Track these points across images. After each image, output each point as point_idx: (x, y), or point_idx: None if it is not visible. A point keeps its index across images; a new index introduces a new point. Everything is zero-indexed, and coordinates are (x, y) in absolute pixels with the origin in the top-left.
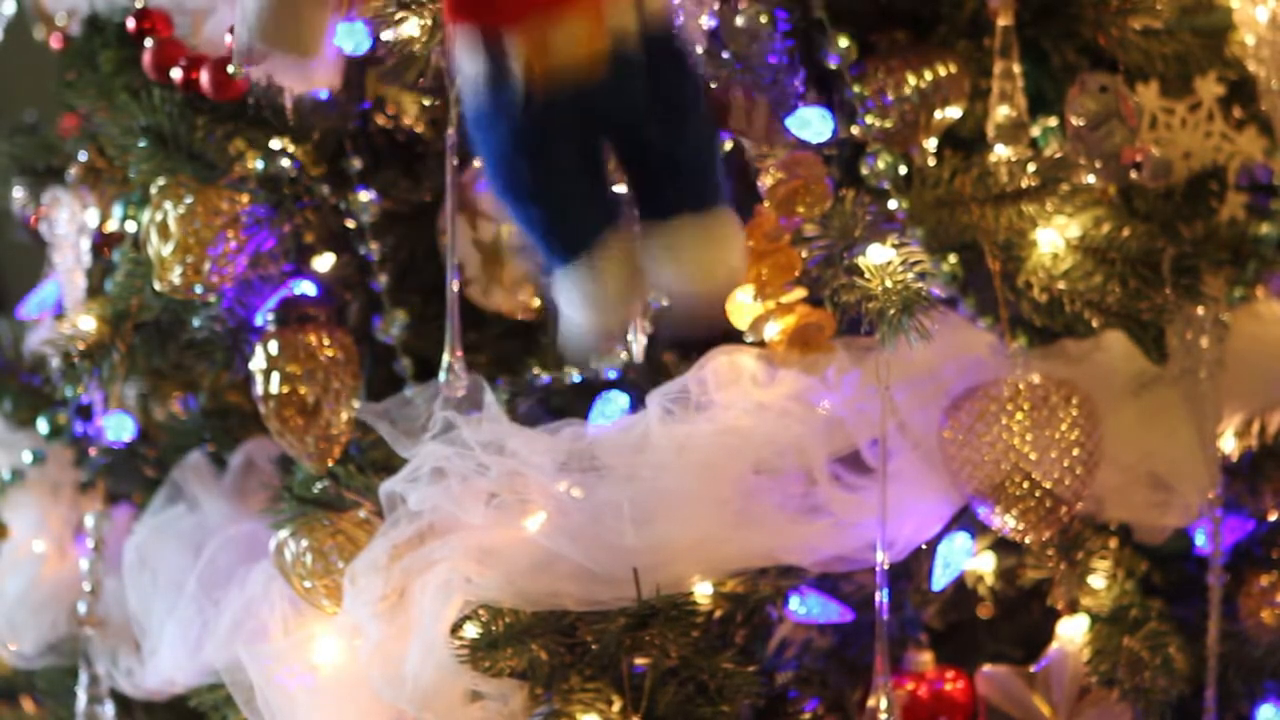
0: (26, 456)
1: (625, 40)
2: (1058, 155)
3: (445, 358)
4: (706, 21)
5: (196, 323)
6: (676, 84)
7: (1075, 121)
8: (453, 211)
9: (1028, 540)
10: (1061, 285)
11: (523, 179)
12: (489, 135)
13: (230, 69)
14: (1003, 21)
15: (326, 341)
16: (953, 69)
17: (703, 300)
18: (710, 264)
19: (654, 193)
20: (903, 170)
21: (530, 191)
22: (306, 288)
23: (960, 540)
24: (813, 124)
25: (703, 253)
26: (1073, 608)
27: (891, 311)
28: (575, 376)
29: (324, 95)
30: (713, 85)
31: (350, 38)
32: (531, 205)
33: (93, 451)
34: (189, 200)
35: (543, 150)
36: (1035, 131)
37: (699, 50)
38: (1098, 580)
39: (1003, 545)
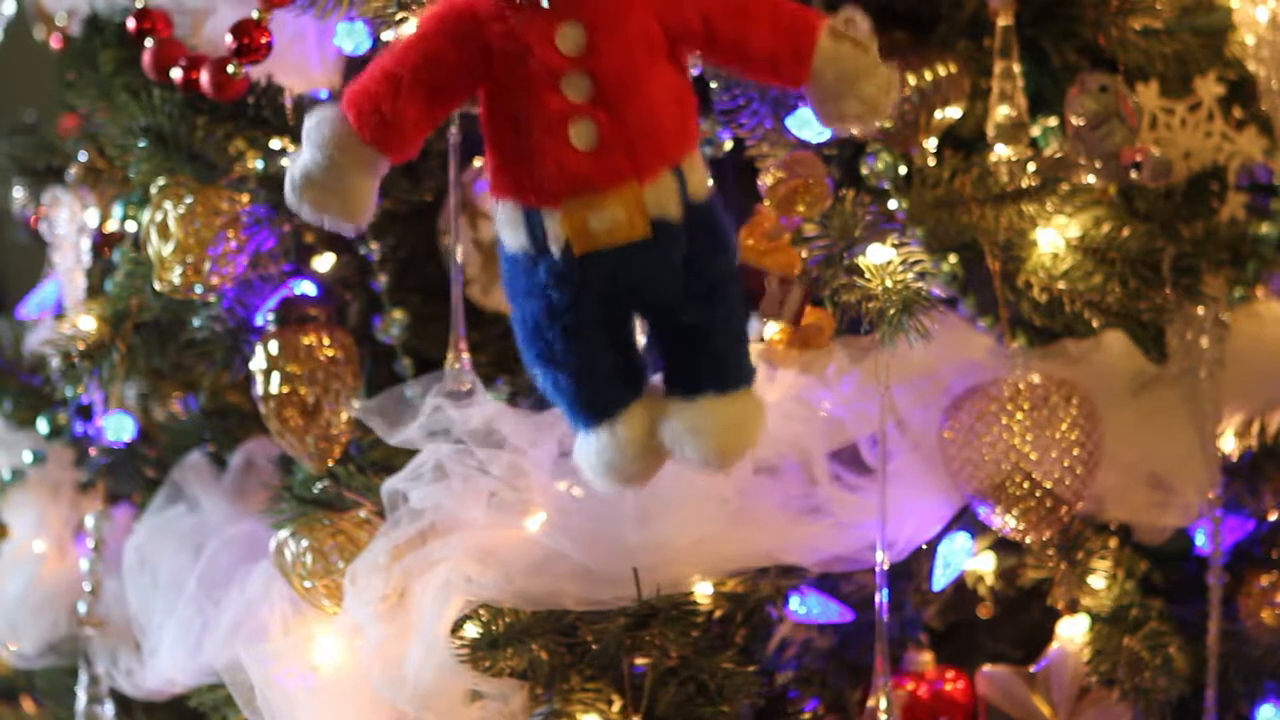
0: (26, 456)
1: (666, 213)
2: (1058, 155)
3: (449, 356)
4: None
5: (196, 323)
6: (713, 262)
7: (1075, 121)
8: (456, 212)
9: (1028, 540)
10: (1061, 285)
11: (553, 350)
12: (524, 305)
13: (230, 69)
14: (1003, 21)
15: (326, 341)
16: (953, 69)
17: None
18: (730, 445)
19: (682, 368)
20: (903, 170)
21: (559, 362)
22: (306, 288)
23: (960, 540)
24: (813, 124)
25: (724, 435)
26: (1073, 608)
27: (891, 311)
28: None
29: (324, 95)
30: (748, 270)
31: (350, 38)
32: (559, 374)
33: (93, 451)
34: (189, 200)
35: (575, 326)
36: (1035, 131)
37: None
38: (1098, 580)
39: (1003, 545)
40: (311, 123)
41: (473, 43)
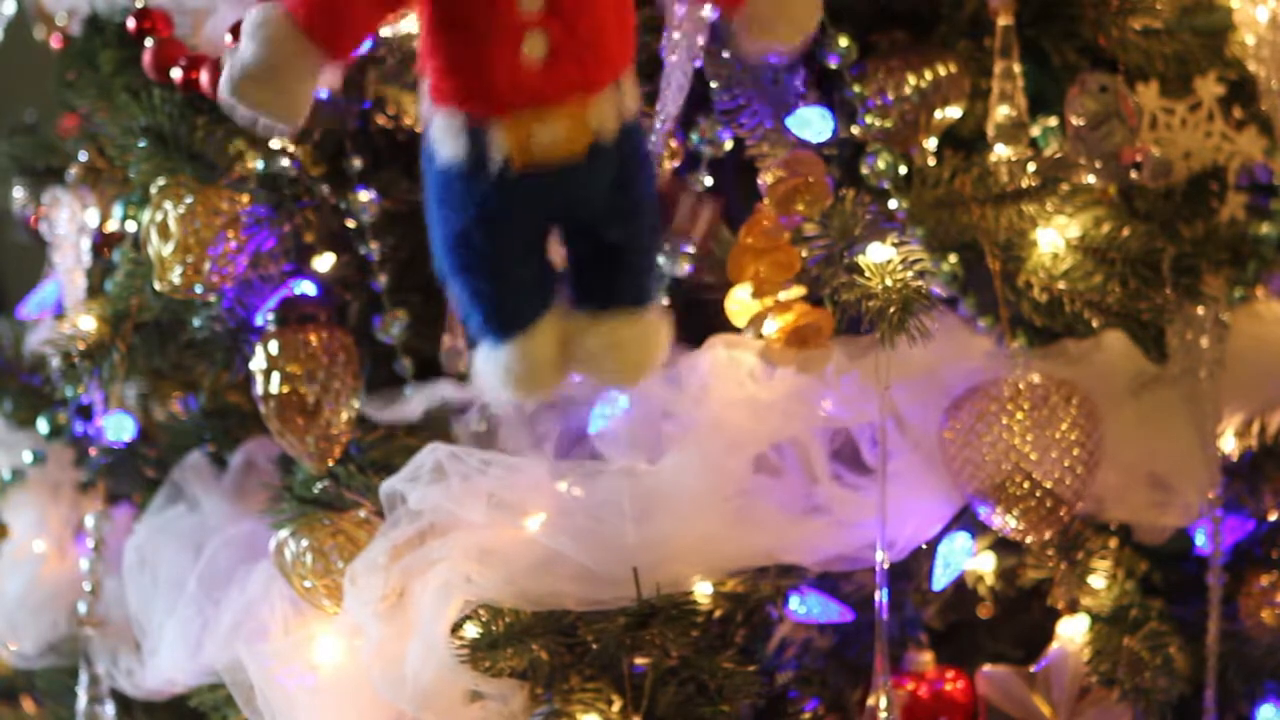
0: (26, 456)
1: (605, 133)
2: (1058, 155)
3: (445, 339)
4: (708, 13)
5: (196, 323)
6: (638, 182)
7: (1075, 121)
8: None
9: (1028, 540)
10: (1061, 285)
11: (479, 257)
12: (451, 213)
13: None
14: (1003, 21)
15: (327, 341)
16: (953, 69)
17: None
18: (643, 361)
19: (597, 285)
20: (903, 170)
21: (480, 272)
22: (306, 288)
23: (960, 540)
24: (813, 123)
25: (639, 350)
26: (1073, 608)
27: (891, 310)
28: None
29: (324, 95)
30: (662, 183)
31: None
32: (479, 283)
33: (93, 451)
34: (189, 200)
35: (504, 232)
36: (1035, 131)
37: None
38: (1098, 580)
39: (1003, 545)
40: (251, 15)
41: None
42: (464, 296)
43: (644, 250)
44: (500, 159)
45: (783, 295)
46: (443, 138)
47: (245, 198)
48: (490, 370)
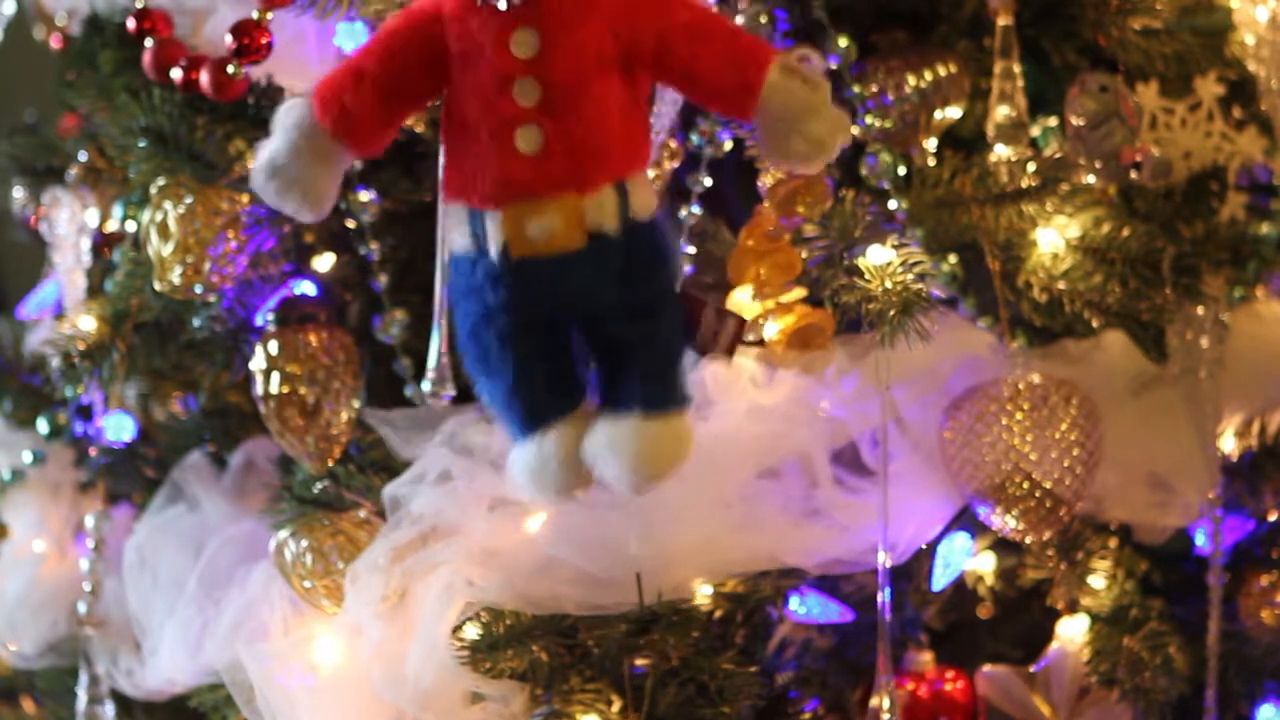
0: (26, 456)
1: (604, 227)
2: (1058, 155)
3: (432, 358)
4: None
5: (196, 323)
6: (650, 280)
7: (1075, 121)
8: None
9: (1028, 540)
10: (1061, 285)
11: (488, 354)
12: (464, 306)
13: (230, 69)
14: (1003, 21)
15: (327, 342)
16: (953, 69)
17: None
18: (647, 468)
19: (612, 385)
20: (903, 170)
21: (494, 367)
22: (306, 288)
23: (960, 540)
24: None
25: (642, 455)
26: (1073, 608)
27: (891, 312)
28: None
29: None
30: (686, 296)
31: (350, 38)
32: (494, 379)
33: (93, 451)
34: (189, 200)
35: (510, 330)
36: (1035, 131)
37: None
38: (1098, 580)
39: (1003, 545)
40: (280, 111)
41: (436, 43)
42: (484, 391)
43: (659, 352)
44: (498, 248)
45: (784, 297)
46: (452, 229)
47: (245, 198)
48: (514, 467)
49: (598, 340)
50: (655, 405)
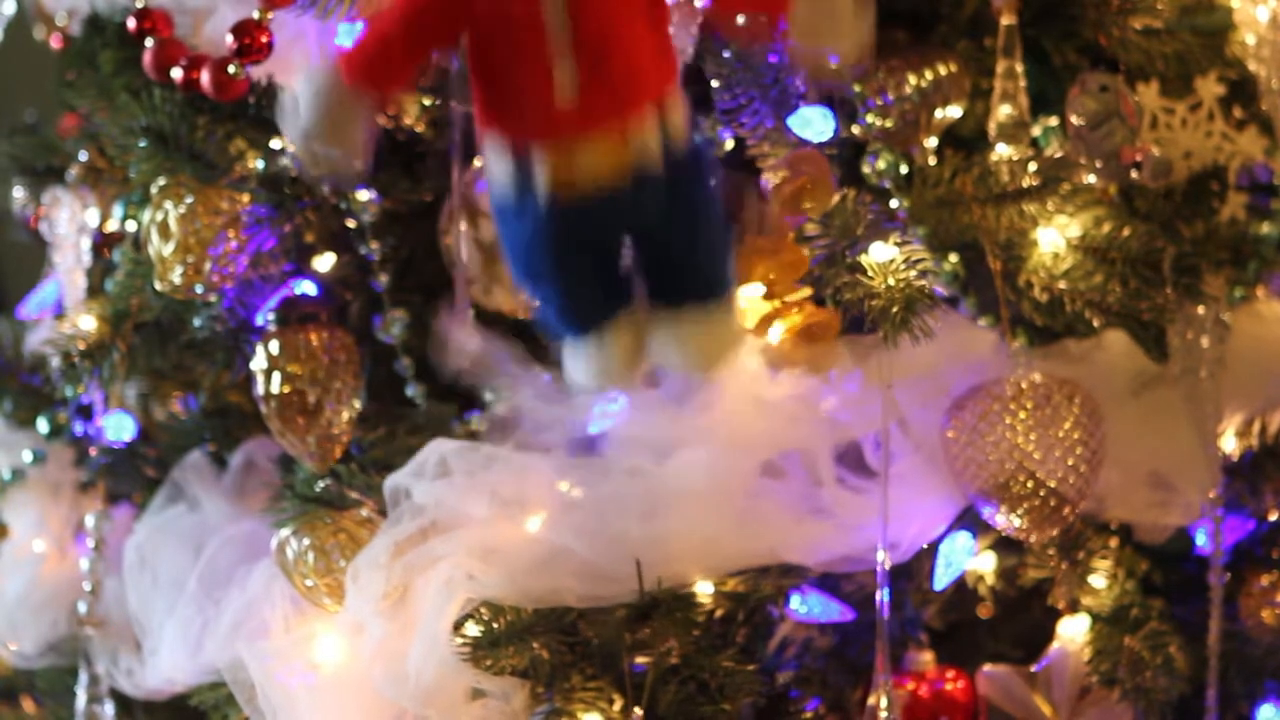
0: (26, 456)
1: (647, 157)
2: (1058, 155)
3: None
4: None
5: (197, 323)
6: (695, 193)
7: (1076, 121)
8: (457, 212)
9: (1031, 540)
10: (1062, 285)
11: (542, 268)
12: (511, 227)
13: (230, 69)
14: (1006, 21)
15: (327, 341)
16: (953, 68)
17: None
18: (712, 353)
19: (665, 282)
20: (904, 169)
21: (548, 279)
22: (307, 287)
23: (962, 539)
24: (814, 123)
25: (706, 342)
26: (1073, 607)
27: (894, 309)
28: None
29: None
30: (729, 182)
31: (351, 38)
32: (549, 288)
33: (93, 451)
34: (189, 200)
35: (562, 248)
36: (1036, 131)
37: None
38: (1098, 580)
39: (1003, 545)
40: (303, 77)
41: None
42: (535, 295)
43: (710, 250)
44: (545, 189)
45: (790, 296)
46: (493, 160)
47: (245, 197)
48: (573, 364)
49: (648, 245)
50: (712, 295)
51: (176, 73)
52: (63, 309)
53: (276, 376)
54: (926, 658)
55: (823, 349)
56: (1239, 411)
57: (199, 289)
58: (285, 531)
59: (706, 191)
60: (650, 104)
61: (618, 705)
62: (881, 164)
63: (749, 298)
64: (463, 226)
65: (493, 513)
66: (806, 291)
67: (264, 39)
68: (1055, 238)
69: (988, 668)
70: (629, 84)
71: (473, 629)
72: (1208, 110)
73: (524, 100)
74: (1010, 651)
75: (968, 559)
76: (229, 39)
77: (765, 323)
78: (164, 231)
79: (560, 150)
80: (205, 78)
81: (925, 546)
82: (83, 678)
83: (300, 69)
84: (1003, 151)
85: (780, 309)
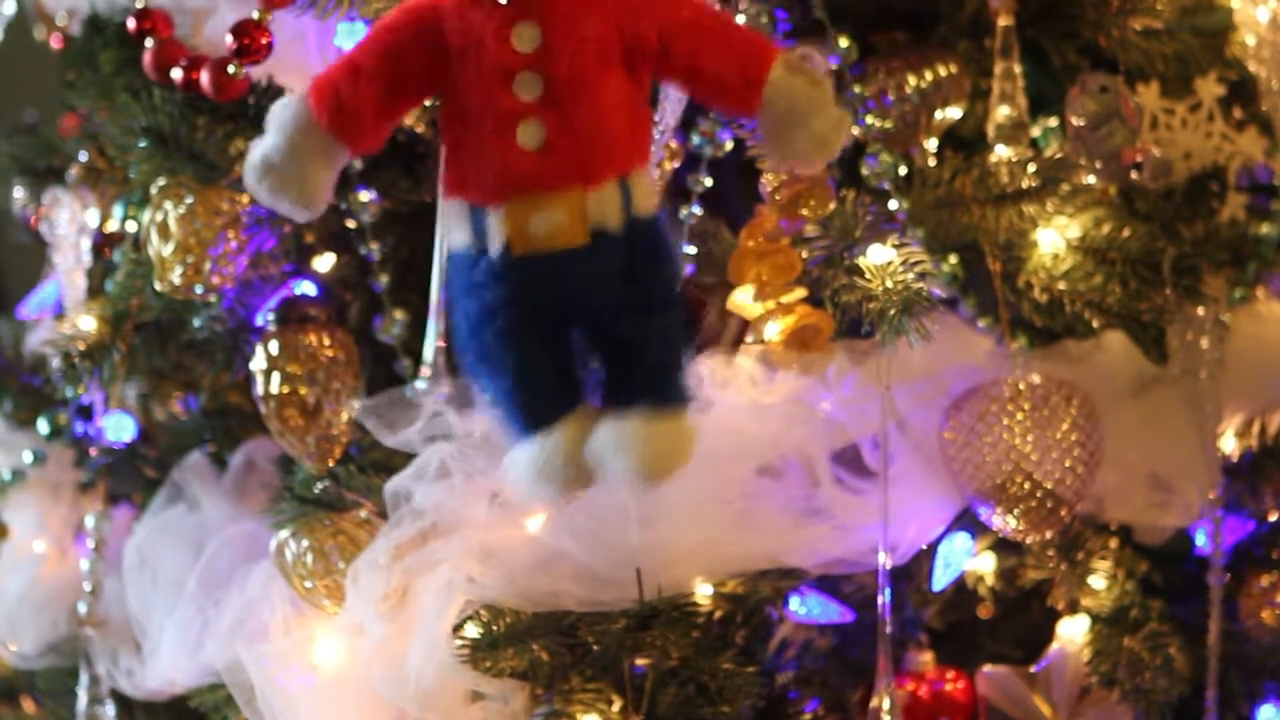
0: (26, 456)
1: (607, 222)
2: (1058, 156)
3: (428, 353)
4: None
5: (197, 323)
6: (652, 277)
7: (1076, 122)
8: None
9: (1029, 541)
10: (1062, 286)
11: (489, 351)
12: (464, 303)
13: (230, 69)
14: (1003, 21)
15: (327, 342)
16: (953, 69)
17: (643, 489)
18: (654, 465)
19: (617, 384)
20: (903, 171)
21: (495, 365)
22: (307, 288)
23: (961, 540)
24: None
25: (649, 453)
26: (1073, 608)
27: (892, 312)
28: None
29: None
30: (690, 288)
31: (350, 38)
32: (494, 378)
33: (93, 451)
34: (189, 200)
35: (510, 327)
36: (1036, 132)
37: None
38: (1098, 581)
39: (1003, 545)
40: (276, 108)
41: (434, 39)
42: (485, 389)
43: (663, 350)
44: (499, 244)
45: (784, 298)
46: (453, 226)
47: (245, 198)
48: (515, 466)
49: (599, 339)
50: (660, 403)
51: (176, 73)
52: (63, 309)
53: (276, 377)
54: (926, 658)
55: (817, 350)
56: (1239, 412)
57: (199, 289)
58: (284, 533)
59: (667, 279)
60: (613, 175)
61: (617, 707)
62: (881, 165)
63: (740, 299)
64: None
65: (493, 515)
66: (801, 293)
67: (264, 39)
68: (1055, 239)
69: (987, 668)
70: (597, 150)
71: (472, 631)
72: (1208, 111)
73: (486, 156)
74: (1010, 652)
75: (966, 560)
76: (229, 39)
77: (757, 324)
78: (164, 232)
79: (518, 208)
80: (205, 78)
81: (925, 547)
82: (83, 678)
83: (280, 101)
84: (1002, 152)
85: (774, 311)
